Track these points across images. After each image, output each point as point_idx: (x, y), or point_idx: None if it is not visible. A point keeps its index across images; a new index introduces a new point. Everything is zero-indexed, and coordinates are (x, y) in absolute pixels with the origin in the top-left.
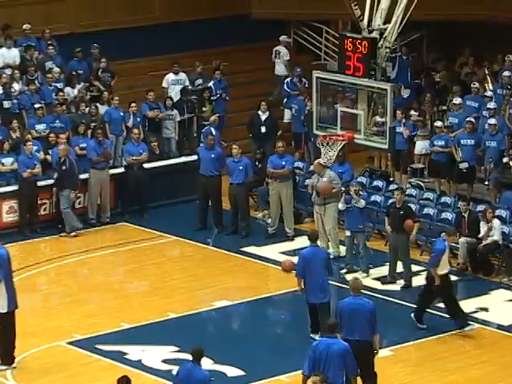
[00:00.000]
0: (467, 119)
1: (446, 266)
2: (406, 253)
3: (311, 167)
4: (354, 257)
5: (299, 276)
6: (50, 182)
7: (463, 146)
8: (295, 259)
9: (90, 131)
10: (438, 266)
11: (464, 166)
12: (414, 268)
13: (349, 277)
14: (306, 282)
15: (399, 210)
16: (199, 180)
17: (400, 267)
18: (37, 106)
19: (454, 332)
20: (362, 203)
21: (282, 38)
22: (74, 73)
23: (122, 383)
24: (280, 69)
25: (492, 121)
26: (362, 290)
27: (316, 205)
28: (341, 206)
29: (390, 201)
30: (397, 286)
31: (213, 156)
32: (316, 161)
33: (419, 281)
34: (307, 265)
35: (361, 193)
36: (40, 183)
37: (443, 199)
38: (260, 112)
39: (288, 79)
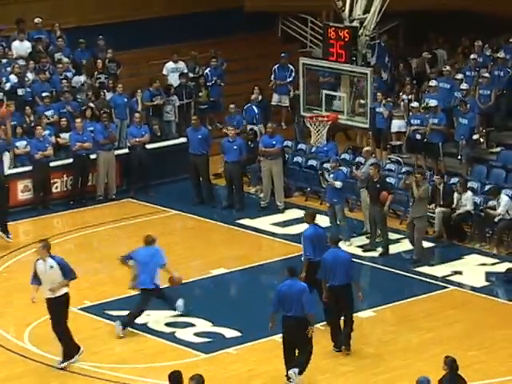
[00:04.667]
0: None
1: None
2: (383, 222)
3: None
4: (336, 226)
5: None
6: (62, 162)
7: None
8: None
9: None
10: None
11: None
12: (394, 236)
13: None
14: None
15: (376, 184)
16: (189, 158)
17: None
18: (44, 94)
19: (430, 294)
20: (338, 184)
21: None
22: (82, 62)
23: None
24: None
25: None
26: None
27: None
28: (338, 183)
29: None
30: (376, 253)
31: (199, 137)
32: (365, 148)
33: (397, 248)
34: None
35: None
36: (52, 164)
37: None
38: (254, 96)
39: (275, 67)
